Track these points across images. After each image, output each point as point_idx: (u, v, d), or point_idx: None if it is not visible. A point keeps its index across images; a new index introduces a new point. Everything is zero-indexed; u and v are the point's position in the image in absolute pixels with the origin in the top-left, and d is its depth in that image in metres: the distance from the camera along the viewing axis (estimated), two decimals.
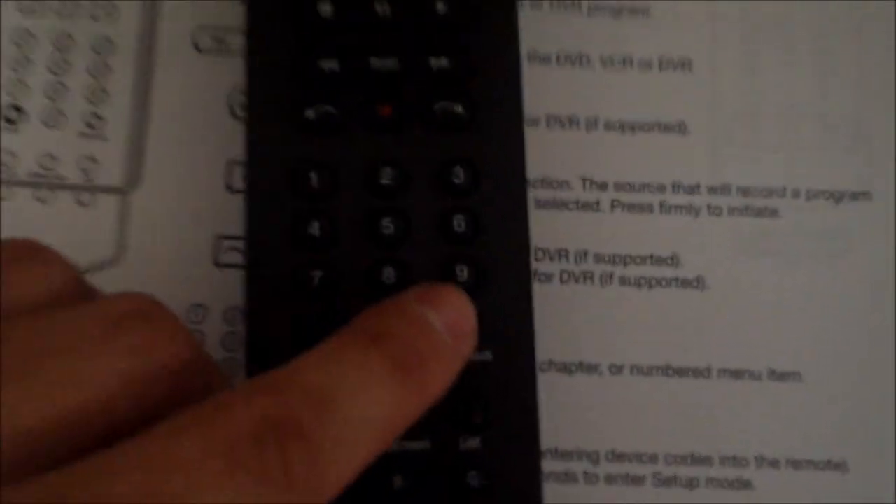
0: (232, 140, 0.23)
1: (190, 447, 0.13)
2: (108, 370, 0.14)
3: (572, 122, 0.24)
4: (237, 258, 0.23)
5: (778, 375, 0.23)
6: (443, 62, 0.22)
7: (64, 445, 0.14)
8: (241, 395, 0.14)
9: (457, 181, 0.21)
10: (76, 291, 0.16)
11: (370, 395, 0.15)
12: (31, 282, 0.16)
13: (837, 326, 0.23)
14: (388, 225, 0.21)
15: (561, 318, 0.23)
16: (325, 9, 0.22)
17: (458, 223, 0.21)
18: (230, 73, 0.24)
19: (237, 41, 0.24)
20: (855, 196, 0.24)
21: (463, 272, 0.21)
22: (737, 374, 0.23)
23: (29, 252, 0.16)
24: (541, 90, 0.24)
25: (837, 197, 0.24)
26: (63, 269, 0.16)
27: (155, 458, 0.13)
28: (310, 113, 0.21)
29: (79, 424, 0.14)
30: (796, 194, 0.24)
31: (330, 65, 0.21)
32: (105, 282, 0.19)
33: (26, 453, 0.13)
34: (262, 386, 0.14)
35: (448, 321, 0.17)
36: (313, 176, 0.21)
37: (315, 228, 0.21)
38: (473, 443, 0.20)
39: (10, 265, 0.16)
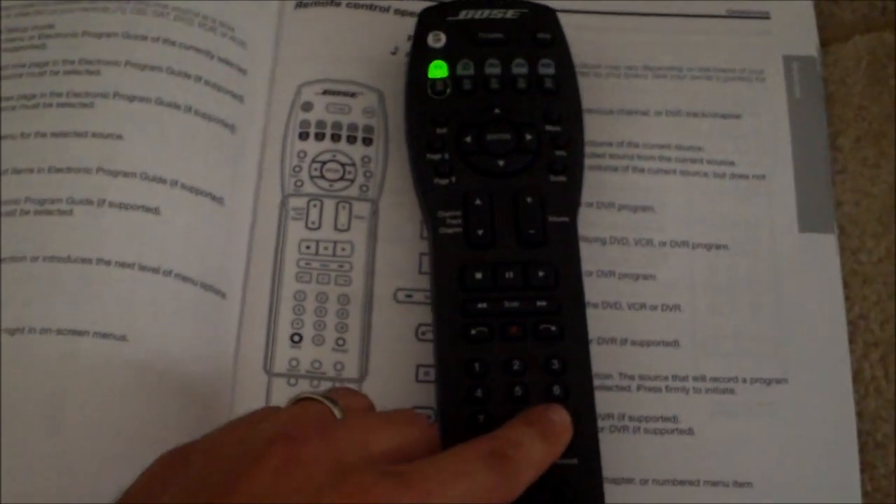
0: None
1: (465, 457, 0.31)
2: (405, 433, 0.32)
3: None
4: None
5: None
6: None
7: (401, 459, 0.31)
8: (478, 440, 0.32)
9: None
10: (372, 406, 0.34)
11: (535, 444, 0.33)
12: (356, 400, 0.34)
13: None
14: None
15: None
16: None
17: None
18: (416, 314, 0.42)
19: (420, 297, 0.42)
20: None
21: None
22: None
23: (350, 390, 0.35)
24: None
25: None
26: (365, 398, 0.34)
27: (458, 458, 0.30)
28: None
29: (404, 455, 0.31)
30: None
31: None
32: None
33: (387, 460, 0.30)
34: (483, 439, 0.32)
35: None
36: None
37: None
38: None
39: (343, 392, 0.34)
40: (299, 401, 0.33)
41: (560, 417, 0.35)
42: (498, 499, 0.30)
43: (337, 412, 0.32)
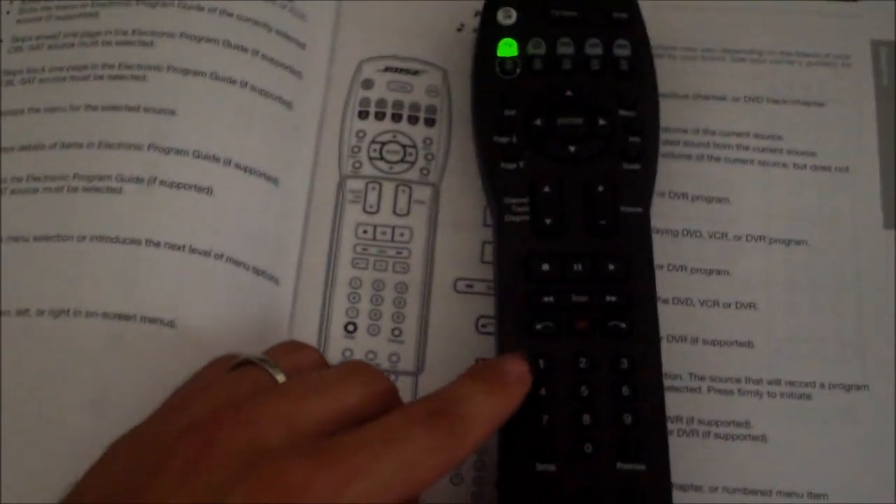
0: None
1: (396, 423, 0.28)
2: (351, 392, 0.29)
3: None
4: None
5: None
6: None
7: (341, 425, 0.28)
8: (419, 401, 0.29)
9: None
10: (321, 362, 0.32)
11: (478, 397, 0.30)
12: (302, 357, 0.32)
13: None
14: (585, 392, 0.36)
15: None
16: None
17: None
18: (476, 305, 0.40)
19: (482, 287, 0.40)
20: None
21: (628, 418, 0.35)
22: None
23: (297, 345, 0.33)
24: None
25: None
26: (315, 353, 0.33)
27: (388, 425, 0.27)
28: None
29: (344, 419, 0.29)
30: None
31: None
32: None
33: (323, 430, 0.28)
34: (420, 400, 0.30)
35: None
36: None
37: None
38: None
39: (286, 350, 0.32)
40: (239, 365, 0.30)
41: (514, 367, 0.32)
42: (444, 460, 0.28)
43: (278, 376, 0.29)
